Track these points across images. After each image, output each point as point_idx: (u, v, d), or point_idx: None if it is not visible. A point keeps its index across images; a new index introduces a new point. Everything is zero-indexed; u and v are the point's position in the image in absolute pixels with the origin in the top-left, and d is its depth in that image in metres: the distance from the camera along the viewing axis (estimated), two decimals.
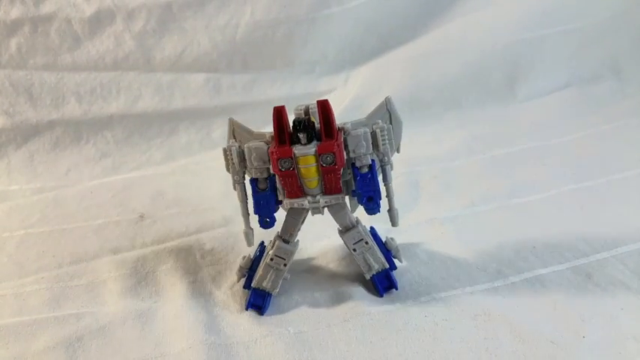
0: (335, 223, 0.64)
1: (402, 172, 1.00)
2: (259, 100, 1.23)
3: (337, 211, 0.62)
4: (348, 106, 1.22)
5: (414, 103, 1.24)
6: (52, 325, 0.63)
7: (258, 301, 0.63)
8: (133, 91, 1.20)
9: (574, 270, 0.67)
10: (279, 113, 0.58)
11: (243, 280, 0.67)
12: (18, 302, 0.69)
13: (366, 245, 0.63)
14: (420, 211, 0.86)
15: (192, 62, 1.21)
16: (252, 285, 0.64)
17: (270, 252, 0.63)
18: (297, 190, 0.59)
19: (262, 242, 0.69)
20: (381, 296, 0.64)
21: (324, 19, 1.23)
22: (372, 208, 0.60)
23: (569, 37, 1.29)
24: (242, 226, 0.67)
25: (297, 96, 1.24)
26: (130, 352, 0.58)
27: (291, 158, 0.56)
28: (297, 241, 0.65)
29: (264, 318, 0.62)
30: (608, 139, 1.07)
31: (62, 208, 0.96)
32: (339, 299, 0.65)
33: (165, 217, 0.90)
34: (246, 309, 0.63)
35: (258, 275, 0.63)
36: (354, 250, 0.63)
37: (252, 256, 0.66)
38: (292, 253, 0.63)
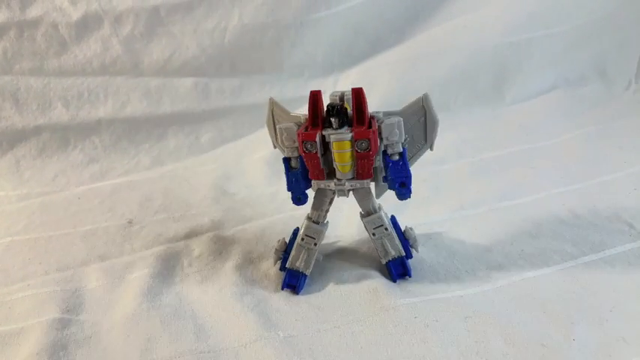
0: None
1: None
2: (248, 104, 1.23)
3: (362, 196, 0.64)
4: None
5: (402, 106, 1.24)
6: (37, 333, 0.62)
7: (292, 281, 0.67)
8: (120, 95, 1.19)
9: (563, 273, 0.67)
10: (315, 97, 0.61)
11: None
12: (4, 310, 0.68)
13: (385, 231, 0.66)
14: (410, 215, 0.85)
15: (180, 66, 1.21)
16: (286, 265, 0.67)
17: (301, 232, 0.66)
18: (319, 172, 0.62)
19: (297, 228, 0.70)
20: (395, 282, 0.66)
21: (312, 23, 1.23)
22: (404, 193, 0.62)
23: (556, 40, 1.30)
24: (231, 230, 0.68)
25: (286, 99, 1.23)
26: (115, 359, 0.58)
27: (315, 142, 0.59)
28: (327, 222, 0.67)
29: (254, 321, 0.62)
30: (596, 141, 1.08)
31: (49, 214, 0.95)
32: (330, 300, 0.65)
33: (153, 223, 0.89)
34: (282, 288, 0.67)
35: (291, 256, 0.67)
36: (374, 234, 0.66)
37: (287, 240, 0.69)
38: (322, 232, 0.66)
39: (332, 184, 0.63)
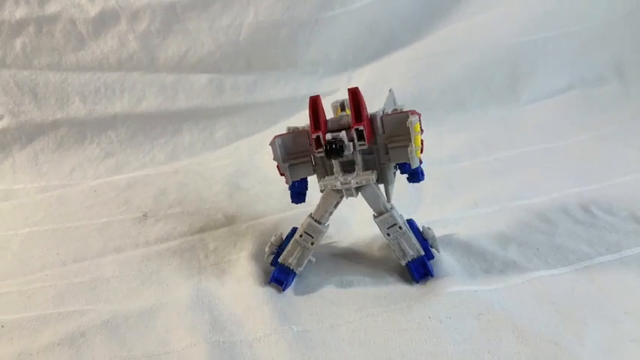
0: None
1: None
2: (262, 100, 1.24)
3: (370, 195, 0.64)
4: None
5: (416, 105, 1.22)
6: (55, 321, 0.63)
7: (281, 277, 0.66)
8: (136, 91, 1.20)
9: (577, 272, 0.67)
10: (314, 103, 0.63)
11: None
12: (22, 299, 0.69)
13: (399, 230, 0.65)
14: (424, 212, 0.86)
15: (195, 63, 1.21)
16: (278, 260, 0.67)
17: (301, 229, 0.65)
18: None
19: (295, 227, 0.71)
20: (417, 282, 0.66)
21: (327, 21, 1.23)
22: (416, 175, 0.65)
23: (572, 40, 1.29)
24: (244, 225, 0.67)
25: (300, 97, 1.25)
26: (133, 348, 0.58)
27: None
28: (328, 224, 0.67)
29: (269, 315, 0.62)
30: (612, 142, 1.07)
31: (66, 206, 0.97)
32: (345, 296, 0.65)
33: (168, 216, 0.90)
34: (269, 282, 0.66)
35: (285, 251, 0.67)
36: (388, 234, 0.65)
37: (284, 236, 0.69)
38: (322, 232, 0.65)
39: (338, 183, 0.62)
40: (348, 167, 0.65)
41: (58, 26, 1.16)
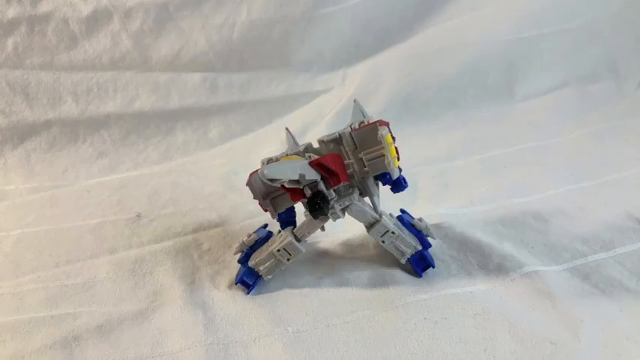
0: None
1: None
2: (256, 99, 1.23)
3: (356, 212, 0.64)
4: (345, 105, 1.22)
5: (411, 103, 1.24)
6: (48, 324, 0.63)
7: (249, 279, 0.66)
8: (129, 90, 1.19)
9: (572, 270, 0.67)
10: None
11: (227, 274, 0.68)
12: (15, 301, 0.68)
13: (393, 235, 0.65)
14: (419, 211, 0.85)
15: (188, 62, 1.21)
16: (248, 263, 0.66)
17: (280, 244, 0.65)
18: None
19: (266, 225, 0.72)
20: (420, 276, 0.67)
21: (321, 18, 1.23)
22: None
23: (567, 36, 1.29)
24: (238, 225, 0.67)
25: (294, 95, 1.24)
26: (127, 352, 0.58)
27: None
28: (307, 242, 0.67)
29: (263, 316, 0.62)
30: (606, 139, 1.07)
31: (59, 207, 0.96)
32: (341, 296, 0.65)
33: (162, 217, 0.90)
34: (236, 284, 0.66)
35: (258, 258, 0.66)
36: (383, 241, 0.66)
37: (257, 236, 0.69)
38: (300, 252, 0.65)
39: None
40: None
41: (51, 25, 1.15)
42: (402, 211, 0.73)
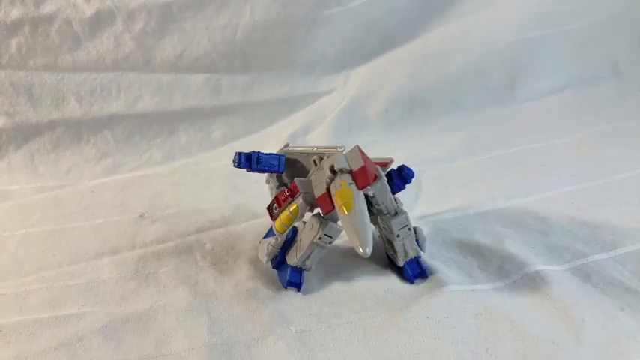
0: None
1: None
2: (259, 100, 1.24)
3: (382, 193, 0.62)
4: (348, 106, 1.22)
5: (413, 104, 1.24)
6: (52, 325, 0.63)
7: (296, 279, 0.66)
8: (133, 91, 1.20)
9: (573, 271, 0.67)
10: None
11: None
12: (18, 301, 0.69)
13: (409, 232, 0.65)
14: (420, 211, 0.86)
15: (192, 63, 1.21)
16: (289, 263, 0.66)
17: (320, 231, 0.63)
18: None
19: (294, 227, 0.69)
20: (412, 283, 0.66)
21: (323, 20, 1.23)
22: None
23: (569, 38, 1.29)
24: (241, 225, 0.67)
25: (297, 96, 1.25)
26: (130, 352, 0.58)
27: None
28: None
29: (267, 316, 0.62)
30: (608, 140, 1.07)
31: (62, 207, 0.96)
32: (344, 295, 0.65)
33: (165, 217, 0.90)
34: (285, 287, 0.66)
35: (298, 254, 0.65)
36: (398, 235, 0.65)
37: (285, 236, 0.67)
38: (340, 231, 0.64)
39: None
40: None
41: (54, 26, 1.15)
42: None
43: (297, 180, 0.63)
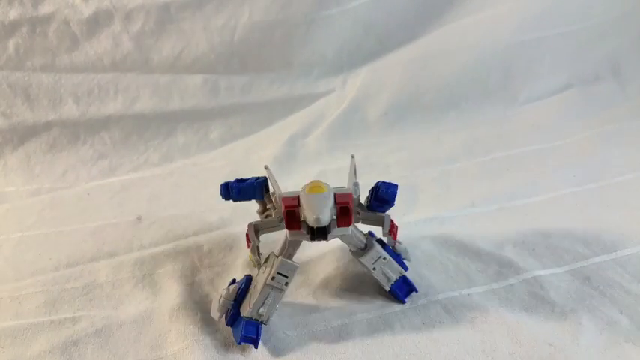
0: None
1: (402, 175, 1.00)
2: (257, 101, 1.23)
3: (348, 238, 0.59)
4: (347, 108, 1.22)
5: (413, 105, 1.24)
6: (48, 329, 0.63)
7: (251, 332, 0.57)
8: (130, 92, 1.19)
9: (573, 273, 0.67)
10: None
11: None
12: (14, 305, 0.68)
13: (384, 260, 0.62)
14: (420, 212, 0.86)
15: (190, 63, 1.21)
16: (243, 315, 0.58)
17: (272, 271, 0.57)
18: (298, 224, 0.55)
19: (248, 276, 0.61)
20: (404, 302, 0.63)
21: (322, 21, 1.23)
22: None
23: (569, 39, 1.29)
24: (239, 228, 0.66)
25: (295, 97, 1.24)
26: (126, 356, 0.58)
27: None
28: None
29: None
30: (609, 141, 1.07)
31: (59, 210, 0.96)
32: (337, 302, 0.65)
33: (162, 219, 0.89)
34: (239, 343, 0.57)
35: (252, 302, 0.57)
36: (374, 269, 0.62)
37: (238, 286, 0.60)
38: (296, 269, 0.58)
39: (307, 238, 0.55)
40: None
41: (52, 27, 1.15)
42: (371, 233, 0.67)
43: (249, 224, 0.61)
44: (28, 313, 0.66)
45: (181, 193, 1.00)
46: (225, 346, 0.58)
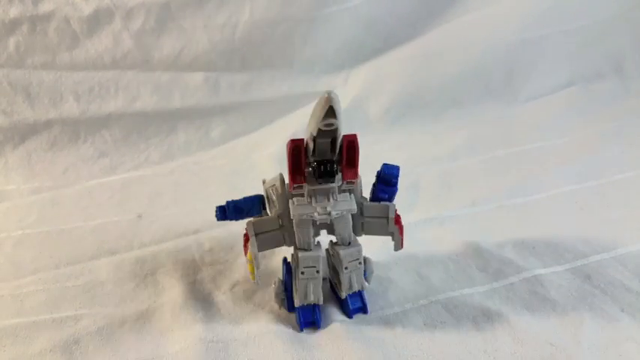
0: None
1: (403, 173, 0.99)
2: (258, 99, 1.23)
3: (344, 224, 0.59)
4: (349, 106, 1.22)
5: (414, 103, 1.24)
6: (49, 327, 0.63)
7: (309, 318, 0.60)
8: (131, 90, 1.19)
9: (574, 271, 0.67)
10: (296, 149, 0.52)
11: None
12: (15, 303, 0.68)
13: (358, 265, 0.60)
14: (420, 211, 0.85)
15: (190, 61, 1.21)
16: (296, 305, 0.60)
17: (298, 267, 0.58)
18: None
19: (284, 259, 0.65)
20: (350, 318, 0.61)
21: (323, 18, 1.22)
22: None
23: (571, 36, 1.28)
24: (240, 226, 0.66)
25: (296, 95, 1.24)
26: (127, 354, 0.58)
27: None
28: (318, 242, 0.61)
29: (264, 315, 0.62)
30: (610, 139, 1.07)
31: (60, 208, 0.96)
32: (337, 302, 0.64)
33: (163, 217, 0.89)
34: (301, 330, 0.60)
35: (298, 294, 0.59)
36: (346, 268, 0.60)
37: (281, 278, 0.63)
38: (319, 257, 0.58)
39: (315, 214, 0.54)
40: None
41: (52, 25, 1.15)
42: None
43: (247, 222, 0.60)
44: (29, 312, 0.66)
45: (182, 191, 1.00)
46: (227, 344, 0.58)
